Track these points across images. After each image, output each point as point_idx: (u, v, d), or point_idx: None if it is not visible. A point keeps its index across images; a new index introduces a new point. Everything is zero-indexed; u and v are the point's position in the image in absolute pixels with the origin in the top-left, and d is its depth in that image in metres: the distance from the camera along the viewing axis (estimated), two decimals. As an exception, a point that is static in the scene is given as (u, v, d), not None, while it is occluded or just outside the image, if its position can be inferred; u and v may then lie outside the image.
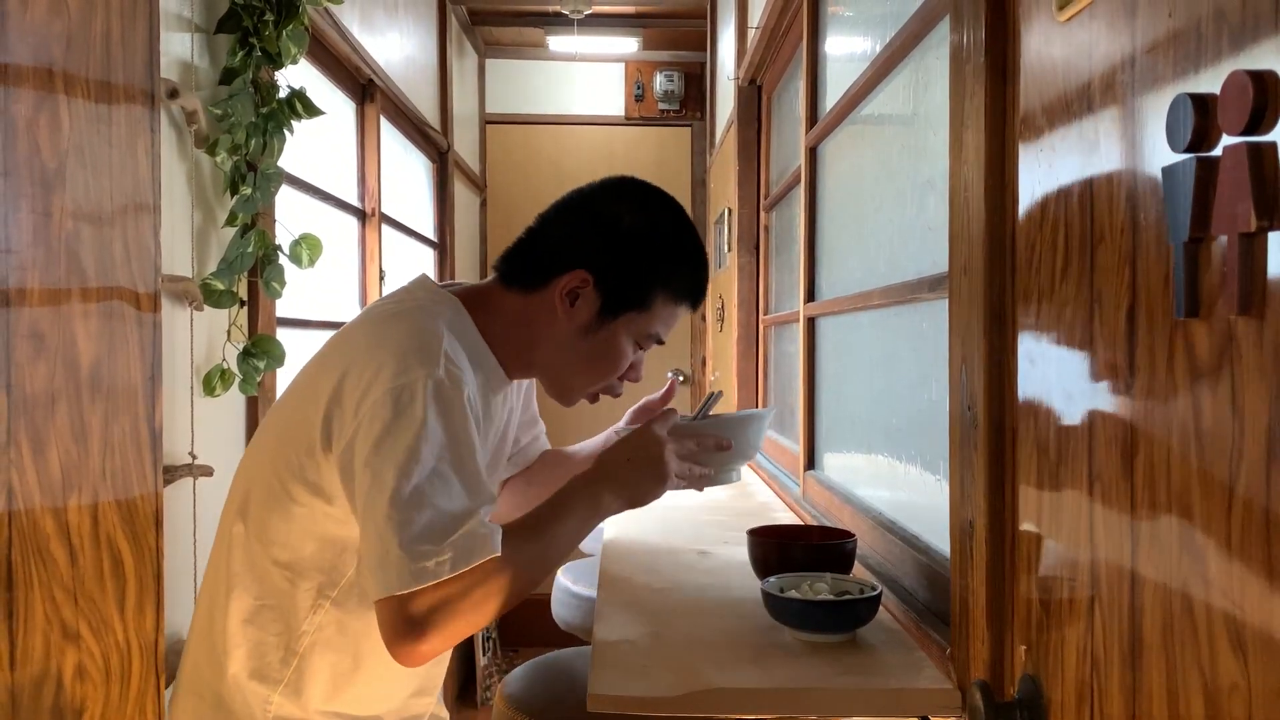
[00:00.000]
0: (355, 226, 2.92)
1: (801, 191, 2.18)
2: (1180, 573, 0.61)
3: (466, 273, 4.53)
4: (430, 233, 3.95)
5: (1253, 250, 0.54)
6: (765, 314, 3.06)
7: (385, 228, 3.08)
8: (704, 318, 4.53)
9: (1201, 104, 0.57)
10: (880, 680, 0.98)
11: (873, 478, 1.64)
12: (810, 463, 2.06)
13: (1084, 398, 0.74)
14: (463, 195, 4.44)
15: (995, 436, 0.90)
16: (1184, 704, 0.61)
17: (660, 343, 1.25)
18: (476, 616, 0.98)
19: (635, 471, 1.13)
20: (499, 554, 0.98)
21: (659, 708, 0.93)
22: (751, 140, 3.17)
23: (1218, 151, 0.56)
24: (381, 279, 2.96)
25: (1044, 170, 0.81)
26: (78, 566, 0.74)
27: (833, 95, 1.99)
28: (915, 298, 1.34)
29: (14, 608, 0.65)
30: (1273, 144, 0.52)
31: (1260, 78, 0.52)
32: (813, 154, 2.13)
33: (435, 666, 1.26)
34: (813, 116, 2.14)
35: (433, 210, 4.00)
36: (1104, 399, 0.70)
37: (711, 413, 1.30)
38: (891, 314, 1.53)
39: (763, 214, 3.11)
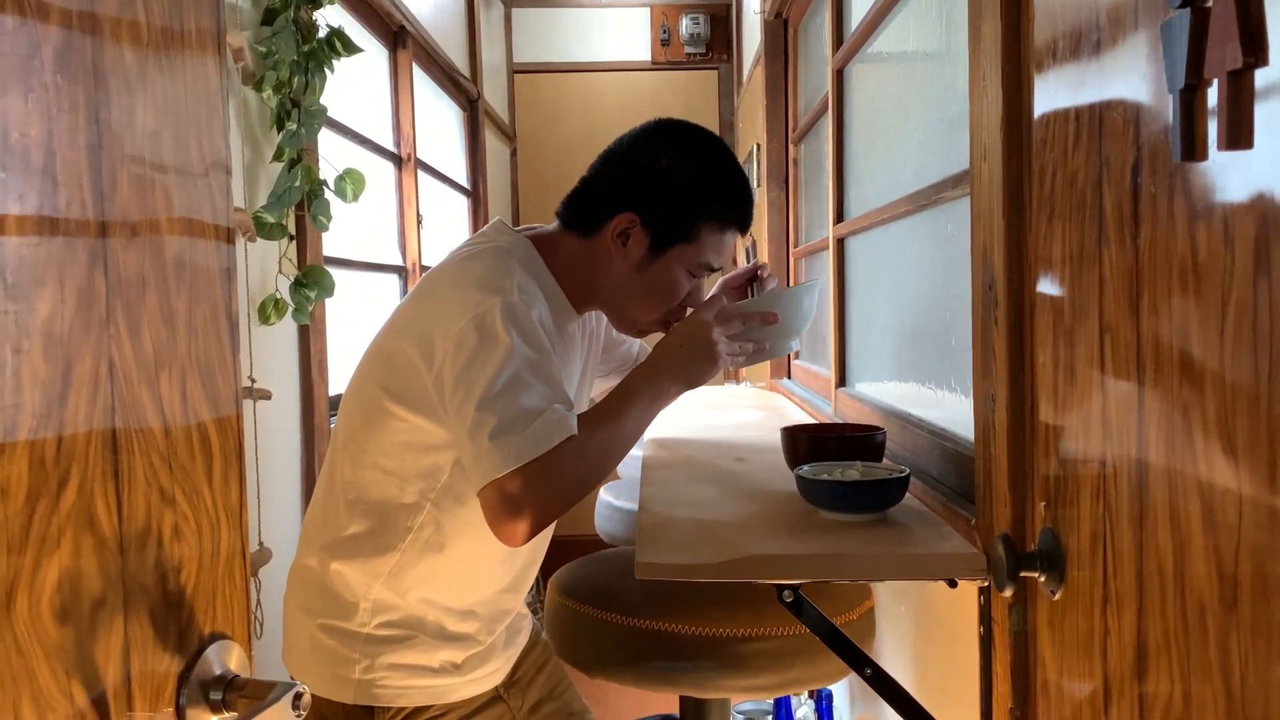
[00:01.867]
0: (392, 172, 2.99)
1: (829, 115, 2.21)
2: (1182, 404, 0.66)
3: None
4: (464, 181, 4.01)
5: (1240, 87, 0.59)
6: (795, 247, 3.10)
7: (421, 175, 3.15)
8: (734, 259, 4.56)
9: (1196, -42, 0.62)
10: (910, 548, 1.04)
11: (901, 385, 1.69)
12: (841, 381, 2.11)
13: (1094, 256, 0.79)
14: (493, 145, 4.49)
15: (1015, 310, 0.95)
16: (1187, 535, 0.66)
17: (714, 269, 1.34)
18: (563, 492, 1.12)
19: (687, 355, 1.25)
20: (575, 434, 1.12)
21: (701, 574, 1.00)
22: (779, 74, 3.19)
23: (1209, 3, 0.61)
24: (419, 224, 3.03)
25: (1055, 52, 0.86)
26: (171, 438, 0.81)
27: (858, 18, 2.02)
28: (939, 198, 1.39)
29: (119, 468, 0.72)
30: (1257, -14, 0.57)
31: (1246, -74, 0.57)
32: (839, 76, 2.16)
33: (528, 569, 1.40)
34: (838, 39, 2.16)
35: (465, 159, 4.06)
36: (1112, 252, 0.75)
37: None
38: (918, 220, 1.57)
39: (791, 147, 3.14)
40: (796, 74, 3.11)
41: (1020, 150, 0.95)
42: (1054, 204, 0.86)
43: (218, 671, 0.84)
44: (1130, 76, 0.72)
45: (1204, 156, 0.63)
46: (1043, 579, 0.88)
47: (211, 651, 0.84)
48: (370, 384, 1.29)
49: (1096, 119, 0.78)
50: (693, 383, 1.26)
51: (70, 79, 0.66)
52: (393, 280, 3.00)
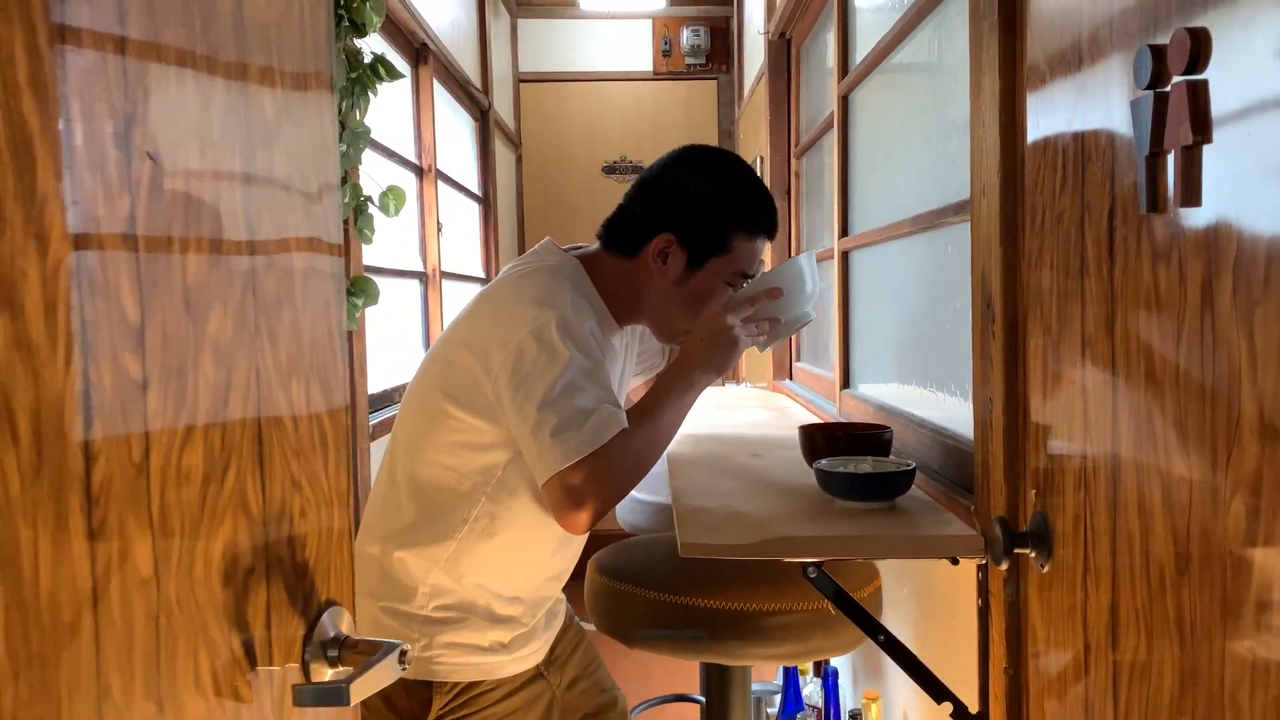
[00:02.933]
0: (414, 182, 3.13)
1: (835, 136, 2.37)
2: (1146, 407, 0.82)
3: (505, 225, 4.74)
4: (475, 189, 4.15)
5: (1192, 158, 0.74)
6: (800, 253, 3.26)
7: (440, 184, 3.29)
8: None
9: (1158, 52, 0.77)
10: (918, 531, 1.20)
11: (903, 387, 1.85)
12: (846, 383, 2.27)
13: (1077, 282, 0.94)
14: (500, 153, 4.64)
15: (1009, 326, 1.11)
16: (1151, 515, 0.82)
17: (749, 276, 1.48)
18: (620, 480, 1.27)
19: (709, 345, 1.39)
20: (626, 428, 1.26)
21: (738, 553, 1.15)
22: (782, 91, 3.35)
23: (1168, 88, 0.77)
24: (439, 231, 3.18)
25: (1045, 108, 1.01)
26: (298, 432, 0.95)
27: (862, 46, 2.18)
28: (941, 222, 1.54)
29: (263, 458, 0.87)
30: (1204, 81, 0.72)
31: (1195, 33, 0.72)
32: (844, 101, 2.32)
33: (570, 561, 1.54)
34: (844, 67, 2.32)
35: (476, 167, 4.21)
36: (1091, 281, 0.91)
37: None
38: (920, 240, 1.73)
39: (793, 161, 3.29)
40: (799, 91, 3.27)
41: (1015, 190, 1.10)
42: (1044, 238, 1.02)
43: (332, 633, 0.98)
44: (1106, 140, 0.88)
45: (1165, 210, 0.79)
46: (1034, 555, 1.03)
47: (327, 615, 0.98)
48: (431, 389, 1.42)
49: (1080, 171, 0.93)
50: (720, 369, 1.39)
51: (230, 130, 0.81)
52: (414, 285, 3.15)
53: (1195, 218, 0.74)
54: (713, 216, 1.45)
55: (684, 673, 3.65)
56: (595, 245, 1.54)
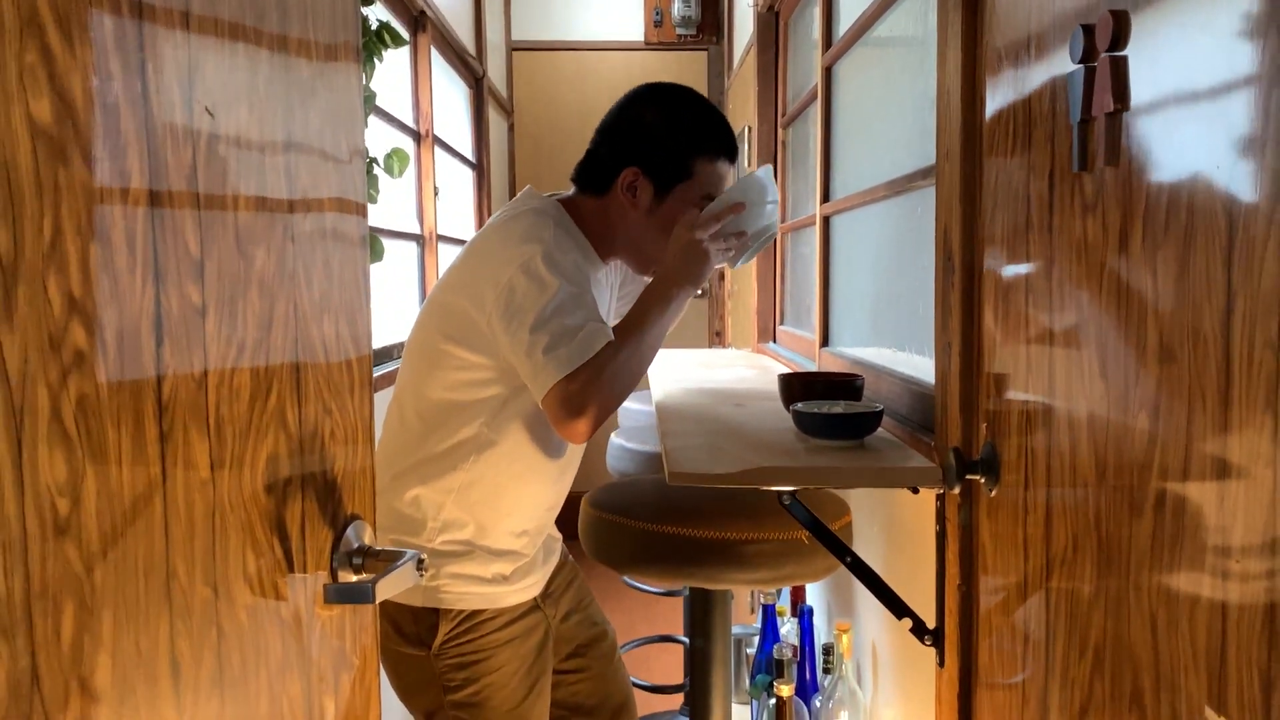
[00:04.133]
0: (412, 147, 3.22)
1: (818, 107, 2.48)
2: (1078, 344, 0.94)
3: (498, 191, 4.82)
4: (469, 154, 4.24)
5: (1113, 124, 0.86)
6: (784, 221, 3.37)
7: (436, 149, 3.38)
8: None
9: (1089, 30, 0.88)
10: (883, 463, 1.32)
11: (877, 343, 1.97)
12: (825, 341, 2.39)
13: (1023, 237, 1.06)
14: (493, 120, 4.72)
15: (967, 276, 1.23)
16: (1077, 438, 0.94)
17: (714, 198, 1.56)
18: (615, 387, 1.37)
19: (681, 262, 1.49)
20: (613, 340, 1.37)
21: (721, 481, 1.27)
22: (770, 63, 3.45)
23: (1096, 63, 0.88)
24: (436, 194, 3.27)
25: (1002, 80, 1.12)
26: (329, 364, 1.05)
27: (845, 19, 2.28)
28: (911, 186, 1.66)
29: (300, 383, 0.97)
30: (1124, 57, 0.84)
31: (1118, 15, 0.83)
32: (828, 73, 2.42)
33: (564, 491, 1.66)
34: (828, 40, 2.42)
35: (470, 133, 4.29)
36: (1036, 235, 1.03)
37: None
38: (893, 203, 1.84)
39: (780, 130, 3.39)
40: (786, 62, 3.36)
41: (974, 153, 1.21)
42: (997, 196, 1.14)
43: (355, 544, 1.09)
44: (1049, 108, 0.99)
45: (1093, 169, 0.90)
46: (983, 480, 1.16)
47: (351, 529, 1.09)
48: (431, 332, 1.53)
49: (1028, 136, 1.05)
50: (695, 281, 1.49)
51: (273, 93, 0.91)
52: (411, 247, 3.25)
53: (1115, 175, 0.86)
54: (673, 144, 1.56)
55: (667, 615, 3.81)
56: (572, 190, 1.65)
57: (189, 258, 0.79)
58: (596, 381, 1.35)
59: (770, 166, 1.60)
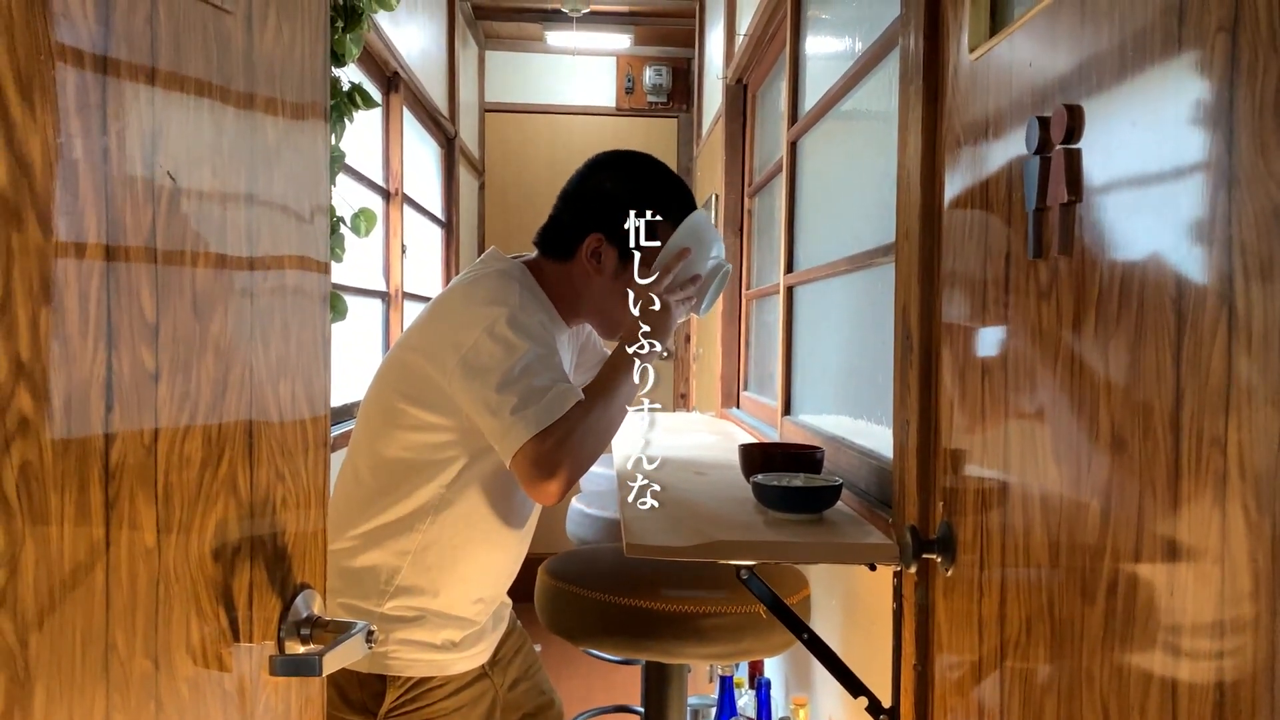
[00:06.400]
0: (380, 205, 3.23)
1: (783, 179, 2.52)
2: (1031, 428, 0.95)
3: (466, 249, 4.84)
4: (439, 213, 4.25)
5: (1068, 215, 0.88)
6: (748, 289, 3.40)
7: (405, 207, 3.39)
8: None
9: (1044, 123, 0.91)
10: (841, 539, 1.32)
11: (838, 417, 1.98)
12: (787, 410, 2.40)
13: (980, 318, 1.08)
14: (464, 179, 4.75)
15: (925, 356, 1.24)
16: (1031, 520, 0.95)
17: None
18: (586, 448, 1.35)
19: (646, 322, 1.48)
20: (582, 399, 1.35)
21: (679, 554, 1.26)
22: (737, 134, 3.51)
23: (1051, 154, 0.90)
24: (403, 253, 3.27)
25: (960, 162, 1.15)
26: (283, 429, 1.03)
27: (811, 95, 2.33)
28: (872, 262, 1.68)
29: (253, 449, 0.95)
30: (1078, 150, 0.86)
31: (1072, 109, 0.86)
32: (793, 147, 2.47)
33: (519, 561, 1.63)
34: (794, 115, 2.47)
35: (440, 192, 4.31)
36: (992, 317, 1.04)
37: None
38: (855, 277, 1.87)
39: (747, 200, 3.45)
40: (754, 133, 3.43)
41: (933, 235, 1.24)
42: (955, 278, 1.16)
43: (304, 614, 1.07)
44: (1005, 195, 1.02)
45: (1047, 256, 0.92)
46: (939, 559, 1.16)
47: (301, 598, 1.07)
48: (388, 390, 1.51)
49: (985, 221, 1.07)
50: (661, 339, 1.48)
51: (237, 153, 0.91)
52: (376, 304, 3.24)
53: (1070, 264, 0.88)
54: (635, 211, 1.57)
55: (624, 685, 3.75)
56: (535, 253, 1.65)
57: (143, 321, 0.78)
58: (568, 441, 1.33)
59: (703, 210, 1.61)
